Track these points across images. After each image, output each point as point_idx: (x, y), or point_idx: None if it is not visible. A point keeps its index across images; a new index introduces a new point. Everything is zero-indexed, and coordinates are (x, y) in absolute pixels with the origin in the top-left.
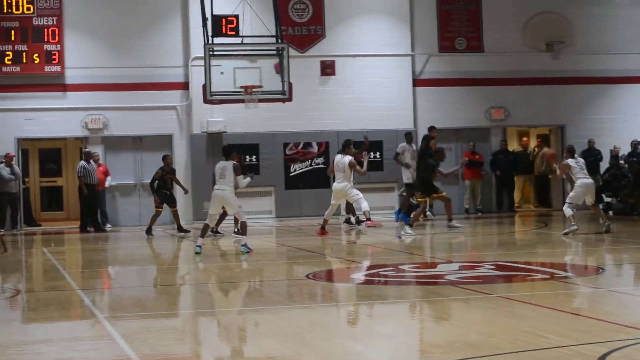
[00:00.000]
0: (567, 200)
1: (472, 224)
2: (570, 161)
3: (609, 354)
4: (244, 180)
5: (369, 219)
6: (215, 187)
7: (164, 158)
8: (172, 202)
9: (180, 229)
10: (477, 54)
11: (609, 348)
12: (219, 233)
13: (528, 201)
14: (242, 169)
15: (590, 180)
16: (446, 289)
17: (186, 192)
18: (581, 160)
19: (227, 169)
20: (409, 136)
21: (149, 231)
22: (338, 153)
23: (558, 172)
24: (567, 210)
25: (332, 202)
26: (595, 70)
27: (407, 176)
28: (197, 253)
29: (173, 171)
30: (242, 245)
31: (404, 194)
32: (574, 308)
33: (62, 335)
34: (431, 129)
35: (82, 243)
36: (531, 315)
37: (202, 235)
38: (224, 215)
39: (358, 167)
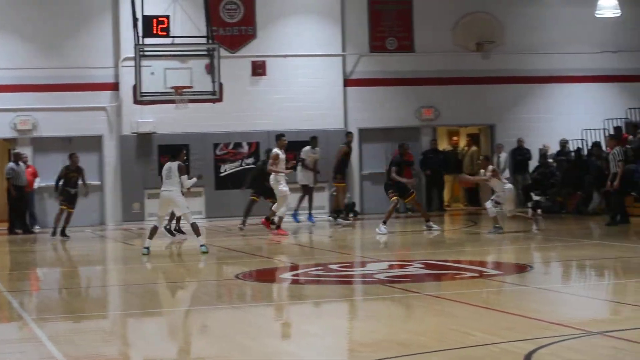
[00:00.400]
0: (493, 198)
1: (402, 223)
2: (490, 168)
3: (536, 351)
4: (189, 181)
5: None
6: (162, 188)
7: (70, 156)
8: (72, 203)
9: (63, 232)
10: (408, 53)
11: (536, 345)
12: (182, 232)
13: (457, 200)
14: (188, 170)
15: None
16: (375, 287)
17: (86, 194)
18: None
19: (172, 169)
20: (314, 140)
21: (62, 233)
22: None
23: (490, 183)
24: (492, 210)
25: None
26: (524, 70)
27: (302, 178)
28: (144, 254)
29: (79, 170)
30: (201, 246)
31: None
32: (502, 306)
33: None
34: (347, 134)
35: (10, 245)
36: (460, 314)
37: (151, 237)
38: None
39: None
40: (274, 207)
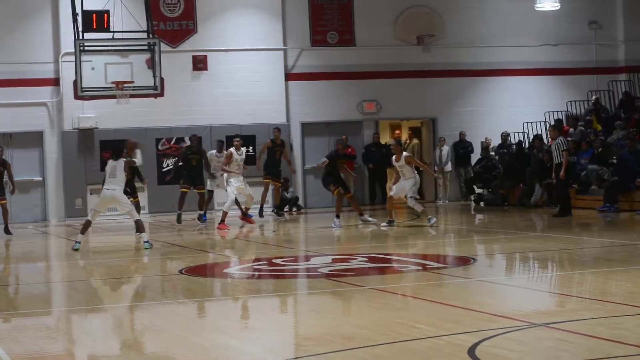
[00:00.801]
0: (410, 196)
1: (345, 217)
2: (405, 155)
3: (480, 343)
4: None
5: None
6: (105, 187)
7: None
8: (1, 195)
9: (6, 229)
10: (349, 47)
11: (480, 337)
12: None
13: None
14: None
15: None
16: (319, 281)
17: (12, 191)
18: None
19: (117, 168)
20: (219, 143)
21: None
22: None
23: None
24: (418, 206)
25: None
26: (465, 63)
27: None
28: (75, 249)
29: (4, 163)
30: (145, 242)
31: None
32: (446, 299)
33: None
34: (274, 129)
35: None
36: (403, 307)
37: (83, 232)
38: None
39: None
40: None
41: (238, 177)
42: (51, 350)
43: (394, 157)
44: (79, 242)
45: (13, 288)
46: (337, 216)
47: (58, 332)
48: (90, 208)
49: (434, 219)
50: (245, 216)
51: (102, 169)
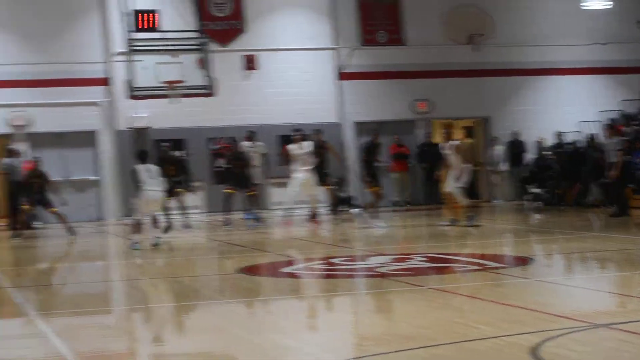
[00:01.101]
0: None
1: (401, 217)
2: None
3: (542, 343)
4: None
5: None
6: (148, 188)
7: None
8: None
9: (70, 230)
10: (399, 47)
11: (540, 338)
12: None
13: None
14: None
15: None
16: (378, 281)
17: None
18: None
19: (153, 170)
20: (249, 133)
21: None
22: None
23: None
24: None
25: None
26: (516, 62)
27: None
28: (135, 249)
29: (42, 175)
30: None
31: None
32: (505, 298)
33: None
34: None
35: (10, 240)
36: (462, 307)
37: (137, 232)
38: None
39: None
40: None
41: (302, 173)
42: (113, 348)
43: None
44: (138, 243)
45: (73, 287)
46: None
47: (120, 330)
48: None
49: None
50: (313, 217)
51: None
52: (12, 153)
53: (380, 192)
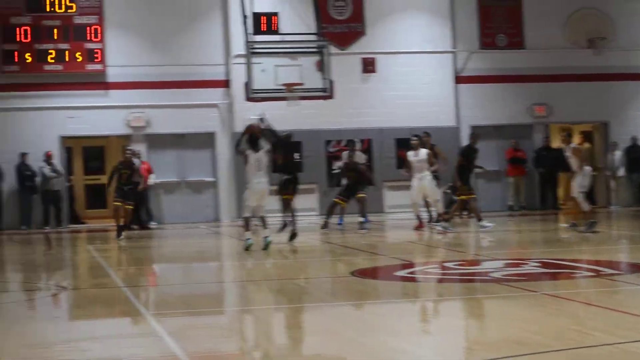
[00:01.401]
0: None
1: (516, 221)
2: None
3: None
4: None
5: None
6: (255, 180)
7: (124, 152)
8: (128, 199)
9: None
10: (519, 50)
11: None
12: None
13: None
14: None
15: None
16: (491, 286)
17: (144, 189)
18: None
19: (262, 160)
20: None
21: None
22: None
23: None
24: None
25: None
26: (637, 67)
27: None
28: (247, 248)
29: (131, 165)
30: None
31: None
32: (621, 305)
33: (108, 333)
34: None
35: (126, 241)
36: (577, 313)
37: (248, 229)
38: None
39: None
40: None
41: (417, 178)
42: (224, 349)
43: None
44: (250, 239)
45: (186, 287)
46: (480, 219)
47: (231, 331)
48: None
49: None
50: (424, 221)
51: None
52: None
53: (472, 199)
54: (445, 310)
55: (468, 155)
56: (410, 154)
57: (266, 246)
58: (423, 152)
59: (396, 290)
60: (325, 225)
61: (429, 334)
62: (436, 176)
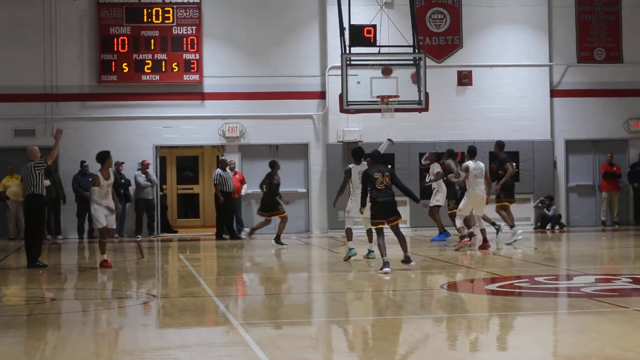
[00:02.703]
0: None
1: (608, 237)
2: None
3: None
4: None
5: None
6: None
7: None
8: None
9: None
10: (616, 64)
11: None
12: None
13: None
14: None
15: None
16: (582, 301)
17: (286, 203)
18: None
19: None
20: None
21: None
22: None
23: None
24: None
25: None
26: None
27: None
28: (370, 258)
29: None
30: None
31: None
32: None
33: (197, 341)
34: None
35: (217, 250)
36: None
37: (350, 239)
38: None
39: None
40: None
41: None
42: (312, 359)
43: None
44: (354, 249)
45: (275, 297)
46: (512, 226)
47: (319, 341)
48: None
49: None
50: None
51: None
52: (224, 164)
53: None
54: (535, 324)
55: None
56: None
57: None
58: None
59: (485, 304)
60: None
61: (518, 348)
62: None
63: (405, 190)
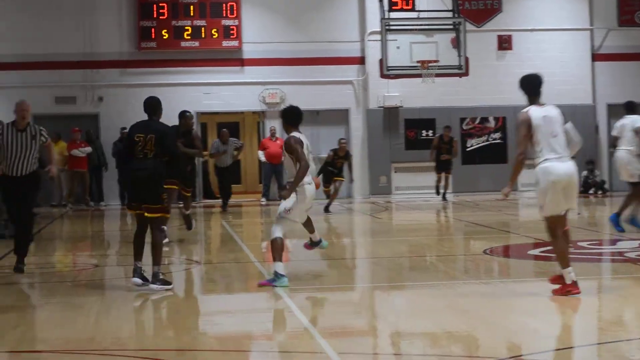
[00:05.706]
0: None
1: None
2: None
3: None
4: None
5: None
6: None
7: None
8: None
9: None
10: None
11: None
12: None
13: None
14: None
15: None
16: (625, 266)
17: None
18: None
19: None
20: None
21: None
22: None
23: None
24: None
25: None
26: None
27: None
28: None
29: (347, 155)
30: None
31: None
32: None
33: (240, 307)
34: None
35: (260, 216)
36: None
37: None
38: None
39: None
40: None
41: None
42: (355, 324)
43: None
44: None
45: (318, 263)
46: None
47: (361, 307)
48: (394, 186)
49: None
50: None
51: (407, 147)
52: (224, 136)
53: None
54: (580, 289)
55: None
56: None
57: None
58: None
59: (529, 269)
60: None
61: (563, 314)
62: None
63: None
